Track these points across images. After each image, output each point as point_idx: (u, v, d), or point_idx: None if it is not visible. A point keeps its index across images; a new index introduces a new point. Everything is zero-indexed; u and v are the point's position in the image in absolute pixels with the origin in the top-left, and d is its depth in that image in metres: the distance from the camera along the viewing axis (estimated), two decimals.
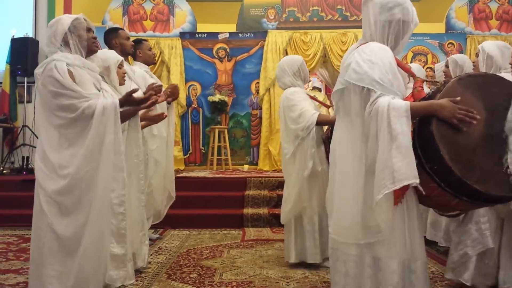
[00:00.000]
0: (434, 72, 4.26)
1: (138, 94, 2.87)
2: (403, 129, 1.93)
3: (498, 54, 3.11)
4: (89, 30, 2.49)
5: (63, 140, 2.32)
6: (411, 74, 2.24)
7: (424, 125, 1.99)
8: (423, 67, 6.99)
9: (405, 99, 2.08)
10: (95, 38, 2.54)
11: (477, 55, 3.26)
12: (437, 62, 7.33)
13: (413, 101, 2.11)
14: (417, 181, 1.91)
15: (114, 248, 2.41)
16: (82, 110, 2.30)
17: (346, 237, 2.12)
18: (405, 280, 2.04)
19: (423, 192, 1.98)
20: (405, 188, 2.00)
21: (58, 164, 2.30)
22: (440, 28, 7.71)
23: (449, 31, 7.67)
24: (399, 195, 2.02)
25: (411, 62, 7.20)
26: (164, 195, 4.00)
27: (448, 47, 7.53)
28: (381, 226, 2.01)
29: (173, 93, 3.99)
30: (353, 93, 2.08)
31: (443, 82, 2.16)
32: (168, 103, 4.01)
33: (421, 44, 7.57)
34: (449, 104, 1.94)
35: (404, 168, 1.92)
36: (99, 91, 2.48)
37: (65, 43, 2.42)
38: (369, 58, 2.06)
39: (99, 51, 2.71)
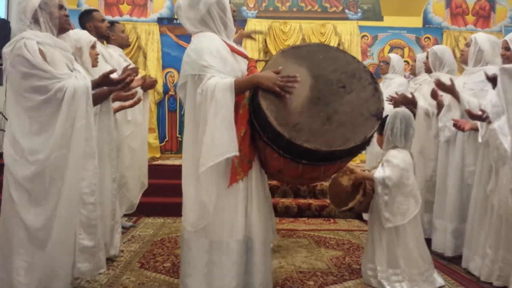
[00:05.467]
0: (415, 62, 4.26)
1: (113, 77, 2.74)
2: (227, 103, 2.06)
3: (489, 49, 3.16)
4: (61, 7, 2.35)
5: (33, 123, 2.19)
6: (244, 56, 2.37)
7: (254, 98, 2.13)
8: None
9: None
10: (67, 15, 2.40)
11: (468, 45, 3.29)
12: (414, 56, 7.40)
13: None
14: (236, 153, 2.05)
15: (84, 240, 2.26)
16: (54, 92, 2.18)
17: (187, 224, 2.20)
18: (246, 258, 2.18)
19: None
20: (246, 166, 2.17)
21: (29, 149, 2.18)
22: (417, 22, 7.76)
23: (426, 26, 7.74)
24: (239, 173, 2.15)
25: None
26: (137, 184, 3.94)
27: (425, 41, 7.61)
28: (208, 207, 2.10)
29: (150, 85, 3.91)
30: (190, 83, 2.18)
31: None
32: (144, 90, 3.93)
33: (398, 37, 7.62)
34: (270, 74, 2.07)
35: (225, 141, 2.04)
36: (72, 71, 2.36)
37: (35, 21, 2.27)
38: (195, 47, 2.18)
39: (71, 31, 2.60)
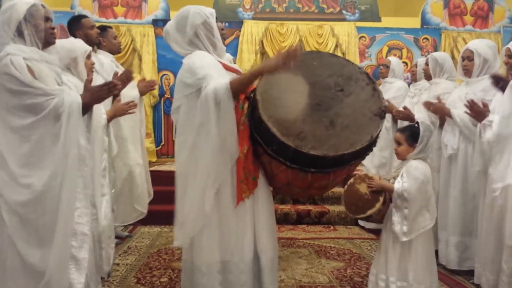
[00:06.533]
0: (416, 67, 4.19)
1: None
2: (229, 106, 2.03)
3: (491, 57, 3.13)
4: (47, 19, 2.20)
5: (25, 143, 2.06)
6: (238, 73, 2.34)
7: (253, 112, 2.11)
8: None
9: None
10: (53, 28, 2.26)
11: (469, 58, 3.17)
12: (412, 57, 7.35)
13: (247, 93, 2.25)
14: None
15: (73, 275, 2.05)
16: (49, 111, 2.05)
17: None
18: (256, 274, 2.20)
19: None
20: (251, 183, 2.14)
21: (20, 172, 2.05)
22: (415, 22, 7.69)
23: (424, 26, 7.67)
24: (244, 191, 2.13)
25: (386, 56, 7.18)
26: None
27: (423, 42, 7.54)
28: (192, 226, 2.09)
29: (146, 87, 3.82)
30: (185, 105, 2.15)
31: None
32: (141, 94, 3.83)
33: (396, 38, 7.55)
34: (273, 56, 2.06)
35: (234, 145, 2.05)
36: (60, 86, 2.25)
37: (19, 33, 2.12)
38: (187, 67, 2.17)
39: (65, 40, 2.49)
